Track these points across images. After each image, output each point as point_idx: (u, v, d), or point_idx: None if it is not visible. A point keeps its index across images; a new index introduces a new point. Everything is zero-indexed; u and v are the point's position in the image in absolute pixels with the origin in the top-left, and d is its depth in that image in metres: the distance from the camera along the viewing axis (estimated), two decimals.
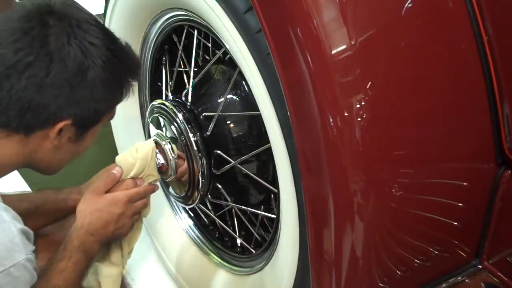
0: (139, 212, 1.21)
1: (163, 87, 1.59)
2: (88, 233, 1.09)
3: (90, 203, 1.11)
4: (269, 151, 1.12)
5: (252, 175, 1.32)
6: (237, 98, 1.34)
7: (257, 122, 1.28)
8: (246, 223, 1.45)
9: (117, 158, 1.19)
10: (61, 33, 0.96)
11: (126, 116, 1.70)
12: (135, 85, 1.09)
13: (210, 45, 1.41)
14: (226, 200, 1.44)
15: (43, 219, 1.25)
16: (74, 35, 0.97)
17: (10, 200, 1.10)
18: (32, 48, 0.94)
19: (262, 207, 1.41)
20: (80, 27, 0.98)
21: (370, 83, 0.91)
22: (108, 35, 1.03)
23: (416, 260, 1.07)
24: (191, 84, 1.41)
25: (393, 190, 0.96)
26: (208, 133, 1.34)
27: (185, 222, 1.66)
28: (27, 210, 1.18)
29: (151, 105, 1.47)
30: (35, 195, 1.28)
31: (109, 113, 1.08)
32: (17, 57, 0.94)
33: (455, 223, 1.06)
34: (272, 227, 1.30)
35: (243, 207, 1.42)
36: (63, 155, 1.06)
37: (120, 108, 1.65)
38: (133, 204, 1.16)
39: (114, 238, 1.16)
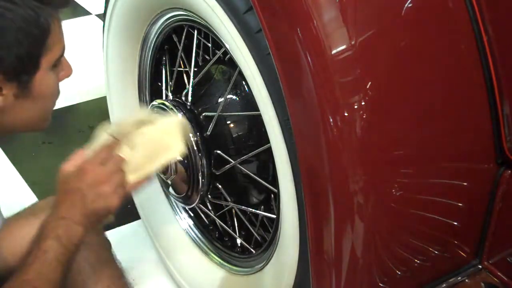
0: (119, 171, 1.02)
1: (163, 87, 1.59)
2: (57, 217, 0.97)
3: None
4: (269, 151, 1.12)
5: (252, 175, 1.32)
6: (237, 98, 1.34)
7: (257, 122, 1.28)
8: (246, 223, 1.45)
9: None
10: None
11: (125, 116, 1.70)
12: (59, 9, 0.97)
13: (210, 45, 1.41)
14: (226, 200, 1.44)
15: None
16: None
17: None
18: None
19: (262, 207, 1.41)
20: None
21: (370, 83, 0.91)
22: None
23: (416, 260, 1.07)
24: (191, 84, 1.41)
25: (393, 190, 0.96)
26: (208, 133, 1.34)
27: (185, 222, 1.66)
28: None
29: (151, 105, 1.47)
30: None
31: (46, 52, 0.96)
32: None
33: (455, 223, 1.06)
34: (272, 227, 1.30)
35: (243, 207, 1.42)
36: (27, 111, 0.99)
37: (119, 107, 1.65)
38: (101, 167, 1.00)
39: (98, 211, 0.99)
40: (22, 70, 0.95)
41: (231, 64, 1.31)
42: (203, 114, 1.37)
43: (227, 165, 1.34)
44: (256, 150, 1.27)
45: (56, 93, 1.05)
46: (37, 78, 0.97)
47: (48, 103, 1.04)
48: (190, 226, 1.65)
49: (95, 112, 2.41)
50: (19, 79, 0.95)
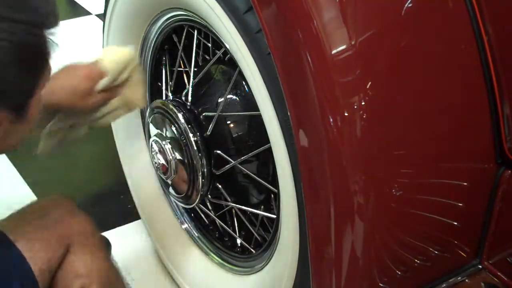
0: None
1: (163, 87, 1.59)
2: None
3: None
4: (269, 151, 1.12)
5: (252, 175, 1.32)
6: (237, 98, 1.34)
7: (257, 122, 1.28)
8: (246, 223, 1.45)
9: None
10: None
11: (126, 116, 1.70)
12: (53, 32, 0.87)
13: (210, 45, 1.41)
14: (226, 200, 1.44)
15: None
16: None
17: None
18: None
19: (262, 207, 1.41)
20: None
21: (370, 83, 0.91)
22: None
23: (416, 260, 1.07)
24: (191, 84, 1.41)
25: (393, 190, 0.96)
26: (208, 133, 1.34)
27: (185, 222, 1.66)
28: None
29: (151, 105, 1.48)
30: None
31: (42, 79, 0.90)
32: None
33: (455, 223, 1.06)
34: (272, 227, 1.30)
35: (243, 207, 1.42)
36: (17, 134, 0.95)
37: None
38: None
39: None
40: (20, 100, 0.88)
41: (231, 64, 1.31)
42: (203, 114, 1.37)
43: (227, 165, 1.34)
44: (256, 150, 1.27)
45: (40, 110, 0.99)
46: (32, 103, 0.91)
47: (35, 122, 0.98)
48: (190, 226, 1.65)
49: None
50: (16, 109, 0.88)
